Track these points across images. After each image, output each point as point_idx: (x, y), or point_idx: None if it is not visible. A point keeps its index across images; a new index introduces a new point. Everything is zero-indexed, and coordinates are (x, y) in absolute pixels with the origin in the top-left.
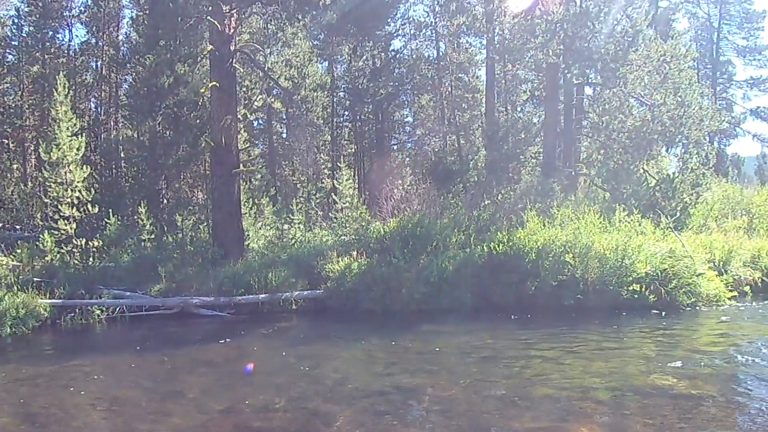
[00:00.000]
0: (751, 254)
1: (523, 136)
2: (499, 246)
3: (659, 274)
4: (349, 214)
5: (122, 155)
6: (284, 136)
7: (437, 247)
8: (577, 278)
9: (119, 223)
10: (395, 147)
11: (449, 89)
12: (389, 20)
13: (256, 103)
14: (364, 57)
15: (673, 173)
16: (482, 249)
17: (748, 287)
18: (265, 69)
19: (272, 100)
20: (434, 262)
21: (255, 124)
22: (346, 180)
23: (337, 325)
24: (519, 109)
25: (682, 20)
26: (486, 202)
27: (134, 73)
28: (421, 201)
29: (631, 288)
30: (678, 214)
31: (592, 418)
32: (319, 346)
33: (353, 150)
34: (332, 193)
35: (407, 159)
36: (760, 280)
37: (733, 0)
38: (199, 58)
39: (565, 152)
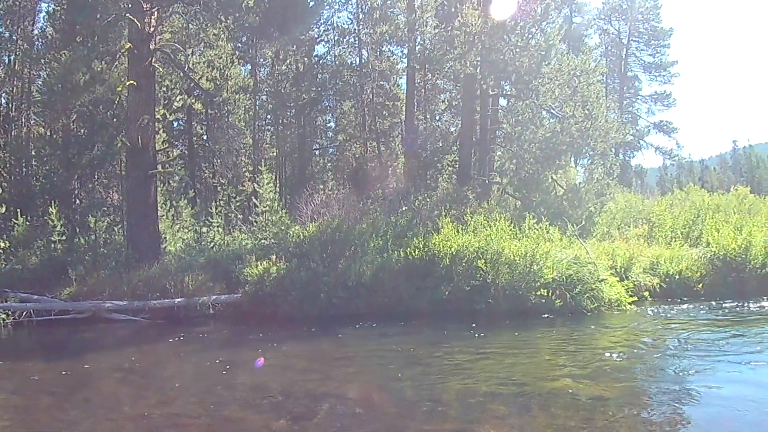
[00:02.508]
0: (651, 261)
1: (440, 144)
2: (415, 251)
3: (565, 279)
4: (269, 218)
5: (33, 153)
6: (205, 137)
7: (356, 252)
8: (489, 283)
9: (28, 223)
10: (317, 152)
11: (371, 96)
12: (313, 25)
13: (176, 103)
14: (288, 61)
15: (580, 183)
16: (399, 254)
17: (647, 292)
18: (186, 69)
19: (193, 101)
20: (352, 266)
21: (175, 124)
22: (267, 183)
23: (255, 329)
24: (437, 118)
25: (594, 36)
26: (404, 208)
27: (49, 69)
28: (340, 206)
29: (538, 293)
30: (583, 222)
31: (501, 420)
32: (236, 351)
33: (275, 154)
34: (252, 197)
35: (329, 164)
36: (658, 285)
37: (642, 18)
38: (117, 56)
39: (480, 161)
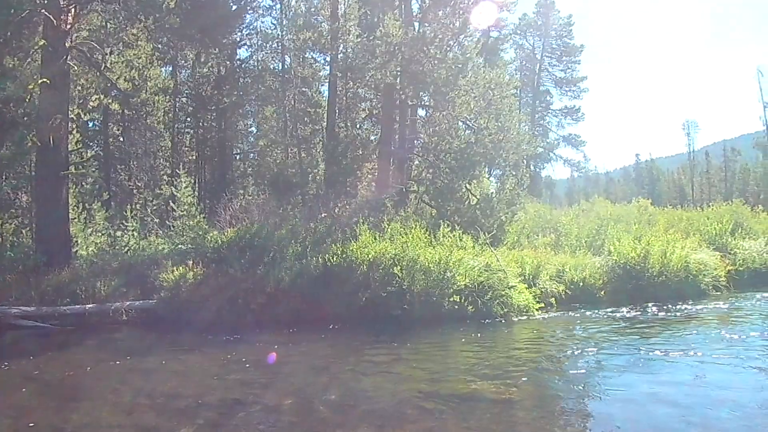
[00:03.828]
0: (557, 269)
1: (360, 152)
2: (333, 258)
3: (477, 286)
4: (187, 223)
5: None
6: (121, 139)
7: (274, 258)
8: (404, 289)
9: None
10: (238, 156)
11: (293, 102)
12: (236, 29)
13: (91, 103)
14: (209, 64)
15: (492, 193)
16: (318, 260)
17: (553, 299)
18: (103, 69)
19: (109, 101)
20: (271, 272)
21: (90, 124)
22: (185, 187)
23: (170, 336)
24: (358, 126)
25: (510, 50)
26: (323, 215)
27: None
28: (260, 212)
29: (452, 299)
30: (495, 230)
31: (415, 423)
32: (151, 359)
33: (194, 157)
34: (170, 201)
35: (249, 169)
36: (563, 292)
37: (555, 34)
38: (31, 53)
39: (398, 170)
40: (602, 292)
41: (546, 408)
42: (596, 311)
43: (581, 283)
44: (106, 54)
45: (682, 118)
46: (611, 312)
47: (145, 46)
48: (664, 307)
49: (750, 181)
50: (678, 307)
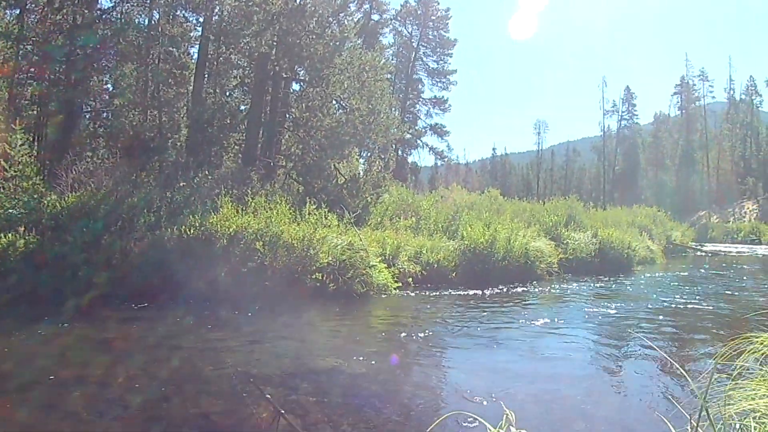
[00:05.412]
0: (415, 250)
1: (228, 121)
2: (190, 230)
3: (339, 264)
4: (20, 184)
5: None
6: None
7: (123, 228)
8: (266, 266)
9: None
10: (87, 115)
11: (157, 62)
12: None
13: None
14: (64, 11)
15: (360, 174)
16: (173, 232)
17: (410, 279)
18: None
19: None
20: (118, 243)
21: None
22: (21, 145)
23: None
24: (227, 93)
25: (389, 35)
26: (182, 184)
27: None
28: (109, 176)
29: (314, 276)
30: (360, 210)
31: (264, 398)
32: None
33: (35, 112)
34: (2, 159)
35: (101, 129)
36: (420, 272)
37: (433, 25)
38: None
39: (266, 143)
40: (454, 274)
41: (397, 380)
42: (448, 291)
43: (436, 265)
44: None
45: (535, 118)
46: (461, 292)
47: None
48: (506, 289)
49: (585, 180)
50: (517, 288)
